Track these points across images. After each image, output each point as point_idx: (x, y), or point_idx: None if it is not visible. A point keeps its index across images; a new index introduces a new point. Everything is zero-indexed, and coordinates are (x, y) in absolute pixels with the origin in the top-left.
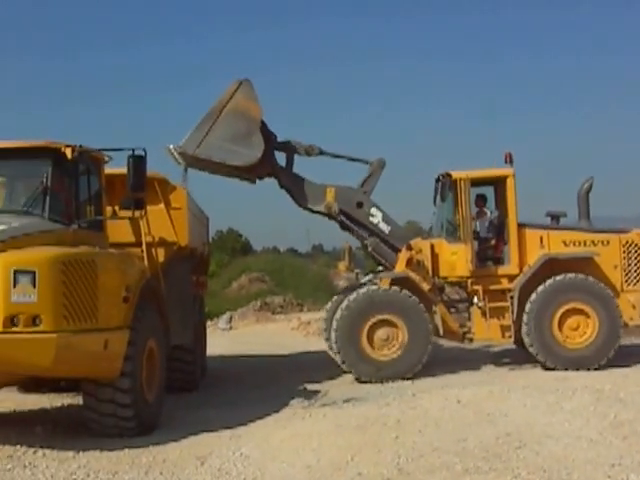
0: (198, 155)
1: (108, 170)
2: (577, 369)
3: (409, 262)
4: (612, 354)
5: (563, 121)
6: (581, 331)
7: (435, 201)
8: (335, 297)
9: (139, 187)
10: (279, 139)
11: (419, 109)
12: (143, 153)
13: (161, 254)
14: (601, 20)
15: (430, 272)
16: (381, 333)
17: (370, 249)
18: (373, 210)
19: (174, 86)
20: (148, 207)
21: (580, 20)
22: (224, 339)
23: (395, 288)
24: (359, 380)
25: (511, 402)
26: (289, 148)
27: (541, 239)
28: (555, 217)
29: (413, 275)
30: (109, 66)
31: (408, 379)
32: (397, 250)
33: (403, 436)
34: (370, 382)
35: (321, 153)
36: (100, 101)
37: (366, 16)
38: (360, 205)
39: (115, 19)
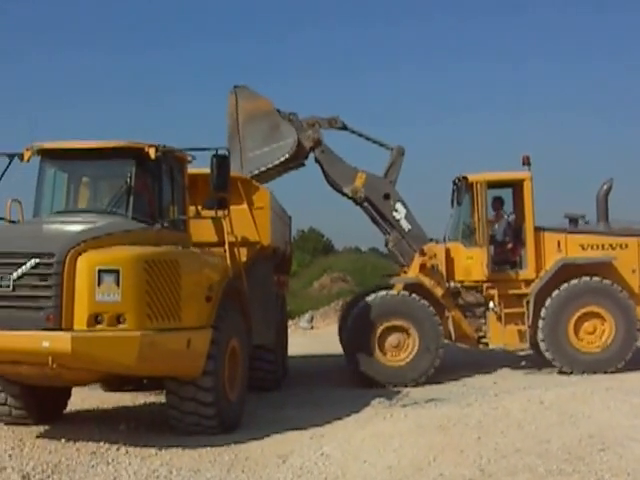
0: (249, 176)
1: (191, 170)
2: (593, 373)
3: (422, 267)
4: (629, 358)
5: (583, 122)
6: (597, 335)
7: (452, 204)
8: (348, 301)
9: (222, 187)
10: (300, 117)
11: (435, 111)
12: (227, 153)
13: (244, 254)
14: (622, 23)
15: (445, 277)
16: (392, 339)
17: (391, 245)
18: (398, 205)
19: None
20: (231, 207)
21: (599, 22)
22: (305, 338)
23: (406, 293)
24: (367, 385)
25: (594, 404)
26: (312, 122)
27: (559, 243)
28: (573, 219)
29: (426, 280)
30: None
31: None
32: (414, 251)
33: (485, 437)
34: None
35: (344, 128)
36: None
37: (374, 20)
38: (387, 197)
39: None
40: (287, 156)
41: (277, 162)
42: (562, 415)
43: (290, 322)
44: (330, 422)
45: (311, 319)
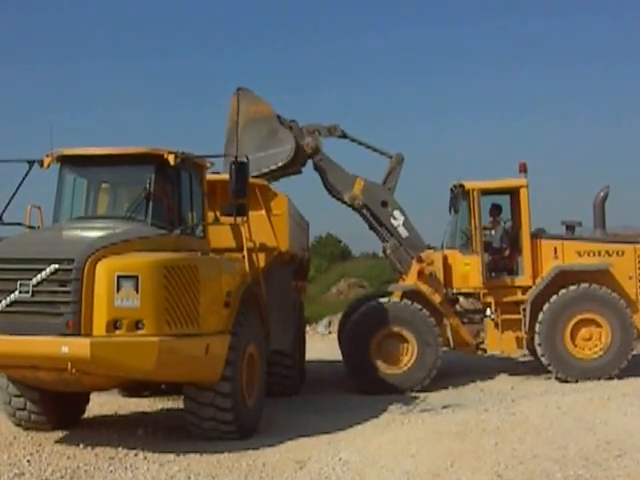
0: None
1: (210, 176)
2: (588, 379)
3: (420, 274)
4: (625, 364)
5: (580, 129)
6: (594, 342)
7: (450, 211)
8: (347, 308)
9: (241, 193)
10: (300, 124)
11: (433, 119)
12: (245, 160)
13: (262, 260)
14: (616, 27)
15: (442, 284)
16: (391, 346)
17: (389, 252)
18: (396, 212)
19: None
20: (249, 213)
21: (594, 27)
22: (323, 344)
23: (404, 301)
24: (366, 392)
25: (611, 410)
26: (312, 130)
27: (555, 250)
28: (570, 227)
29: (424, 287)
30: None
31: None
32: (412, 258)
33: (502, 443)
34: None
35: (343, 135)
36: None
37: (370, 27)
38: (385, 204)
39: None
40: (283, 162)
41: (273, 167)
42: (579, 421)
43: (308, 328)
44: (348, 428)
45: (329, 324)
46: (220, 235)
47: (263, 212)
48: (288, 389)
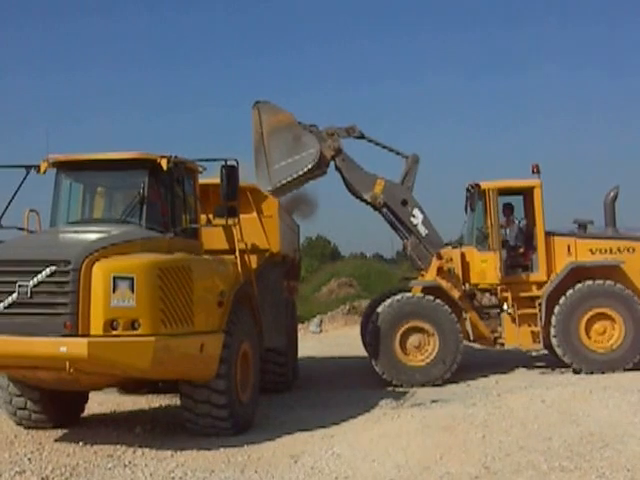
0: (277, 186)
1: (202, 180)
2: (602, 373)
3: (440, 270)
4: (638, 358)
5: (591, 129)
6: (607, 335)
7: (466, 210)
8: (370, 302)
9: (232, 196)
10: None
11: (444, 120)
12: (235, 163)
13: (254, 260)
14: (623, 32)
15: (461, 280)
16: (413, 340)
17: (409, 249)
18: (415, 211)
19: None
20: (241, 215)
21: (603, 32)
22: (315, 342)
23: (428, 296)
24: (391, 384)
25: (594, 402)
26: (331, 132)
27: (568, 247)
28: (582, 225)
29: (443, 283)
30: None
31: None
32: (432, 255)
33: (490, 436)
34: (401, 386)
35: (362, 136)
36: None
37: (391, 31)
38: (404, 203)
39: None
40: (311, 165)
41: (302, 172)
42: (563, 414)
43: (300, 326)
44: (340, 423)
45: (320, 323)
46: (213, 237)
47: (255, 214)
48: (281, 386)
